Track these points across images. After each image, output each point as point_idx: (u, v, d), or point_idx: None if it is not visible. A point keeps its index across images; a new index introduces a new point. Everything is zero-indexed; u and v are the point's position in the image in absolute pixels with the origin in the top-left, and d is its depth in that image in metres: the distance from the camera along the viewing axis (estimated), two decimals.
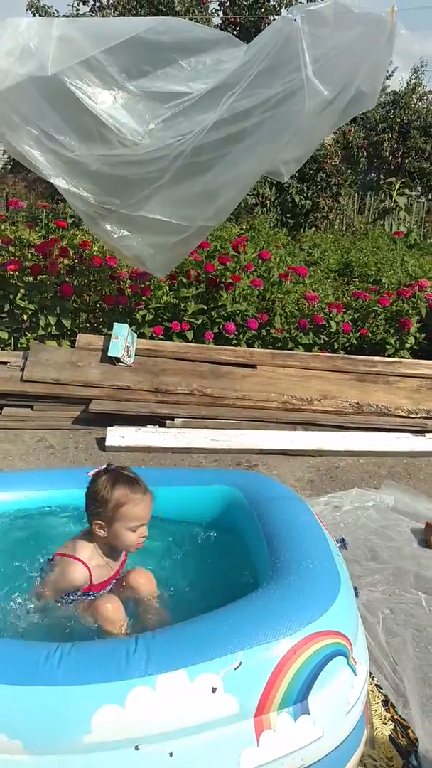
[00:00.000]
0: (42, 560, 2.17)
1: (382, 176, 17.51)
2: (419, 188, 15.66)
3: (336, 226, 11.88)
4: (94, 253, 5.30)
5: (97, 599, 2.00)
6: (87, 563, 2.01)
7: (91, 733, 1.50)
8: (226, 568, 2.30)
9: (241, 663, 1.60)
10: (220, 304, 5.02)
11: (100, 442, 4.10)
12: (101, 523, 1.99)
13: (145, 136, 3.43)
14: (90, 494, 2.01)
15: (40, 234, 5.89)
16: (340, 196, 11.01)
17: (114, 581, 2.12)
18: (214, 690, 1.57)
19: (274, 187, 10.41)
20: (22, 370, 4.32)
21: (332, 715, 1.70)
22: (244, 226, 9.54)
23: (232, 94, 3.40)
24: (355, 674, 1.79)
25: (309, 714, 1.65)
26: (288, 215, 10.64)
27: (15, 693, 1.50)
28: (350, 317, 5.28)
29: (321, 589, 1.82)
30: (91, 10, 12.52)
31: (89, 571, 2.01)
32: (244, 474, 2.73)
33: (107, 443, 4.00)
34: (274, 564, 1.96)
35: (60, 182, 3.59)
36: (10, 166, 14.71)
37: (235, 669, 1.60)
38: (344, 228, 12.10)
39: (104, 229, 3.89)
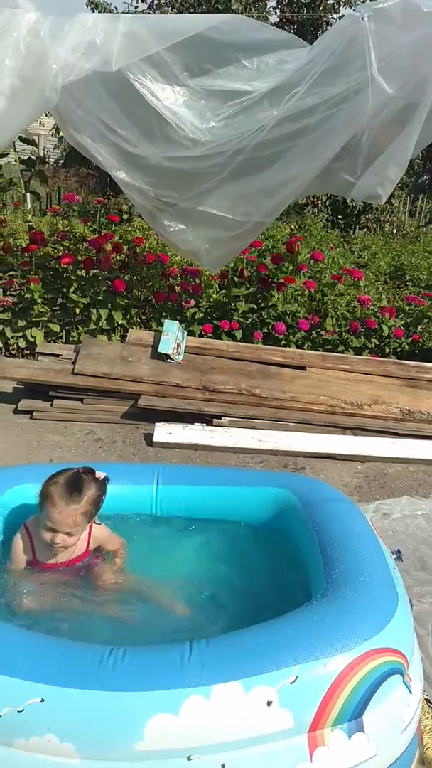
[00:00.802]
0: None
1: None
2: None
3: (386, 229, 11.69)
4: (147, 249, 5.31)
5: None
6: (31, 532, 2.10)
7: (143, 740, 1.49)
8: (275, 572, 2.26)
9: (297, 677, 1.57)
10: (270, 304, 4.97)
11: (148, 438, 4.10)
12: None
13: (206, 133, 3.41)
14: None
15: (91, 228, 5.94)
16: (393, 198, 10.81)
17: (69, 569, 2.15)
18: (269, 703, 1.54)
19: None
20: (74, 363, 4.35)
21: (387, 734, 1.66)
22: (293, 226, 9.47)
23: (295, 93, 3.35)
24: (411, 692, 1.75)
25: (363, 732, 1.61)
26: (339, 216, 10.50)
27: (70, 696, 1.50)
28: (402, 322, 5.18)
29: (378, 604, 1.78)
30: (149, 8, 12.57)
31: (31, 543, 2.10)
32: (298, 477, 2.68)
33: (155, 439, 4.00)
34: (329, 574, 1.92)
35: (120, 175, 3.61)
36: (62, 161, 14.91)
37: (291, 683, 1.56)
38: (395, 231, 11.90)
39: (161, 223, 3.90)
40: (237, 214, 3.73)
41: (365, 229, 11.01)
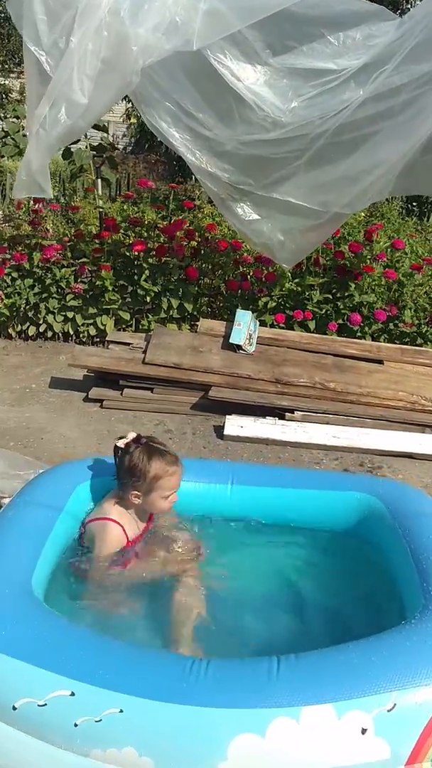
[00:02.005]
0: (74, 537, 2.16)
1: None
2: None
3: None
4: (219, 236, 5.19)
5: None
6: (119, 521, 2.10)
7: (226, 761, 1.39)
8: (362, 584, 2.13)
9: (395, 705, 1.44)
10: (347, 294, 4.78)
11: (218, 430, 4.01)
12: (138, 493, 2.09)
13: (287, 114, 3.25)
14: (126, 467, 2.08)
15: (161, 215, 5.87)
16: None
17: (146, 535, 2.20)
18: (363, 731, 1.42)
19: None
20: (144, 352, 4.30)
21: None
22: (363, 214, 9.17)
23: (382, 72, 3.16)
24: None
25: None
26: (413, 203, 10.12)
27: (151, 708, 1.41)
28: None
29: None
30: None
31: (123, 529, 2.10)
32: (386, 482, 2.53)
33: (225, 432, 3.90)
34: (426, 591, 1.77)
35: (194, 160, 3.50)
36: (130, 148, 14.96)
37: (389, 711, 1.43)
38: None
39: (234, 213, 3.77)
40: (315, 204, 3.55)
41: None
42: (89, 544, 2.10)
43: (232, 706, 1.42)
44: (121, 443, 2.13)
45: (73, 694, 1.45)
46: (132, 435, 2.16)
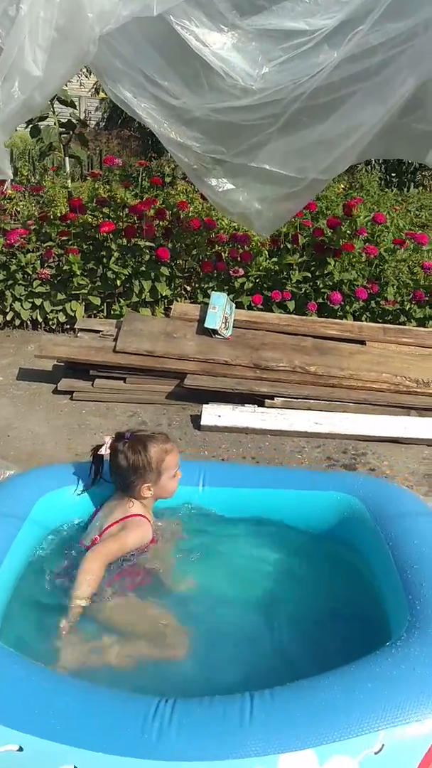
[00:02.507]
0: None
1: None
2: None
3: None
4: (191, 214, 4.96)
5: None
6: (148, 518, 2.07)
7: None
8: (343, 595, 1.97)
9: (383, 746, 1.28)
10: (326, 272, 4.59)
11: (195, 420, 3.83)
12: (148, 484, 2.05)
13: (258, 80, 3.03)
14: (126, 466, 2.03)
15: (133, 193, 5.61)
16: None
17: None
18: None
19: None
20: (115, 340, 4.09)
21: None
22: (342, 186, 8.94)
23: (357, 32, 2.94)
24: None
25: None
26: (393, 174, 9.88)
27: (109, 765, 1.25)
28: None
29: None
30: None
31: (150, 525, 2.07)
32: (367, 480, 2.36)
33: (203, 422, 3.73)
34: (412, 606, 1.62)
35: (161, 130, 3.28)
36: (103, 123, 14.52)
37: (376, 753, 1.28)
38: None
39: (208, 184, 3.58)
40: (291, 170, 3.37)
41: (421, 187, 10.37)
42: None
43: (202, 759, 1.26)
44: (104, 451, 2.09)
45: (21, 749, 1.28)
46: (108, 438, 2.11)
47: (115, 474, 2.07)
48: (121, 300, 4.70)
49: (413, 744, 1.30)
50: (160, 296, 4.67)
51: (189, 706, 1.35)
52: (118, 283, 4.61)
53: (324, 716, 1.33)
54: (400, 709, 1.33)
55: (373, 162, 9.82)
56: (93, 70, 3.48)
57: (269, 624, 1.84)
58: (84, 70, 8.52)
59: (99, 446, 2.13)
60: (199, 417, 3.79)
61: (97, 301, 4.67)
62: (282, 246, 4.79)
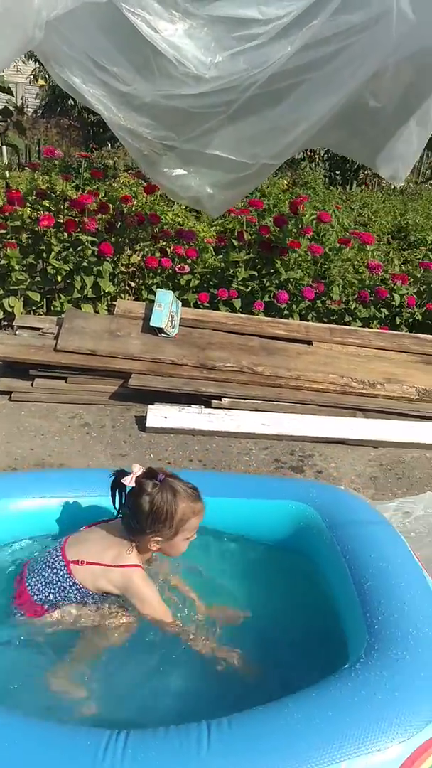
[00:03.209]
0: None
1: None
2: None
3: (384, 185, 11.15)
4: (136, 208, 4.82)
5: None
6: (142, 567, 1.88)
7: None
8: (300, 610, 1.91)
9: None
10: (273, 270, 4.54)
11: (140, 421, 3.72)
12: (159, 538, 1.84)
13: (211, 68, 2.94)
14: (148, 511, 1.80)
15: (73, 185, 5.42)
16: None
17: None
18: None
19: None
20: (56, 338, 3.93)
21: None
22: (286, 181, 8.94)
23: (311, 26, 2.88)
24: None
25: None
26: (337, 171, 9.97)
27: None
28: (415, 290, 4.77)
29: None
30: None
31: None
32: (319, 486, 2.31)
33: (148, 424, 3.62)
34: (369, 625, 1.57)
35: (111, 116, 3.17)
36: (42, 112, 14.11)
37: None
38: (393, 187, 11.37)
39: (159, 170, 3.53)
40: (243, 156, 3.36)
41: (363, 185, 10.50)
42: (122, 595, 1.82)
43: None
44: (128, 480, 1.83)
45: None
46: (138, 469, 1.85)
47: (130, 510, 1.84)
48: (61, 296, 4.52)
49: None
50: (102, 293, 4.52)
51: (143, 738, 1.26)
52: (59, 278, 4.43)
53: (284, 747, 1.26)
54: (362, 738, 1.27)
55: (317, 159, 9.88)
56: (39, 56, 3.33)
57: (224, 643, 1.76)
58: (23, 55, 8.20)
59: (123, 473, 1.86)
60: (145, 418, 3.68)
61: (36, 296, 4.48)
62: (228, 243, 4.72)
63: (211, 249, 4.72)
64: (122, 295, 4.63)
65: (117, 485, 1.88)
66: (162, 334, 4.06)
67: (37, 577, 1.84)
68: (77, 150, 9.05)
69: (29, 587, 1.83)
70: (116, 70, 2.92)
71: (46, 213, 4.49)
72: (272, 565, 1.96)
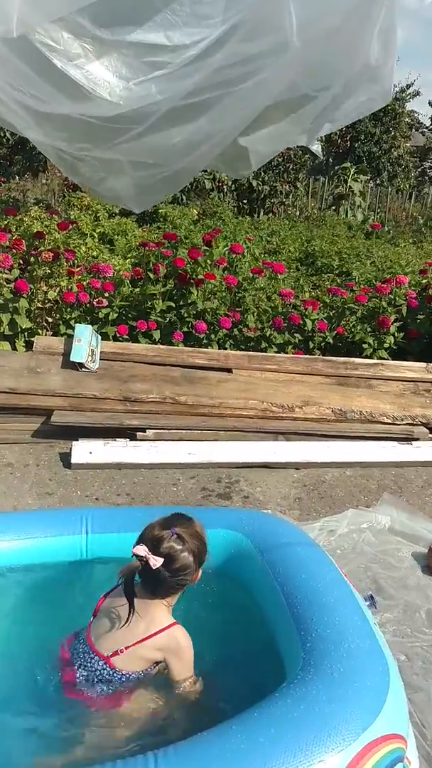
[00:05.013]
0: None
1: (331, 159, 17.37)
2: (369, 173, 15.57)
3: (290, 212, 11.60)
4: (48, 245, 4.82)
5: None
6: None
7: None
8: (236, 635, 1.97)
9: None
10: (189, 301, 4.65)
11: (65, 458, 3.70)
12: (191, 582, 1.82)
13: (123, 93, 3.05)
14: (191, 563, 1.76)
15: None
16: (298, 182, 10.74)
17: None
18: None
19: None
20: None
21: None
22: (196, 210, 9.15)
23: (215, 59, 3.04)
24: None
25: None
26: (244, 201, 10.30)
27: None
28: (325, 315, 5.00)
29: (371, 680, 1.53)
30: None
31: None
32: (248, 513, 2.39)
33: (73, 460, 3.60)
34: (304, 642, 1.65)
35: (30, 133, 3.27)
36: None
37: None
38: (298, 213, 11.84)
39: (82, 175, 3.67)
40: (158, 161, 3.51)
41: (270, 213, 10.88)
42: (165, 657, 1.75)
43: None
44: (153, 562, 1.71)
45: None
46: (141, 549, 1.72)
47: (157, 578, 1.73)
48: None
49: None
50: (19, 329, 4.48)
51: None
52: None
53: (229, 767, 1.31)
54: (303, 751, 1.34)
55: (225, 189, 10.17)
56: None
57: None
58: None
59: (139, 561, 1.72)
60: (69, 454, 3.67)
61: None
62: (144, 276, 4.79)
63: (128, 282, 4.78)
64: (40, 331, 4.61)
65: (132, 573, 1.74)
66: (83, 369, 4.07)
67: (87, 679, 1.74)
68: None
69: (86, 690, 1.73)
70: (33, 92, 2.99)
71: None
72: (208, 592, 2.02)
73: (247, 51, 3.04)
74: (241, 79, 3.15)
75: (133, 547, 1.72)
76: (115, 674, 1.73)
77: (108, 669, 1.73)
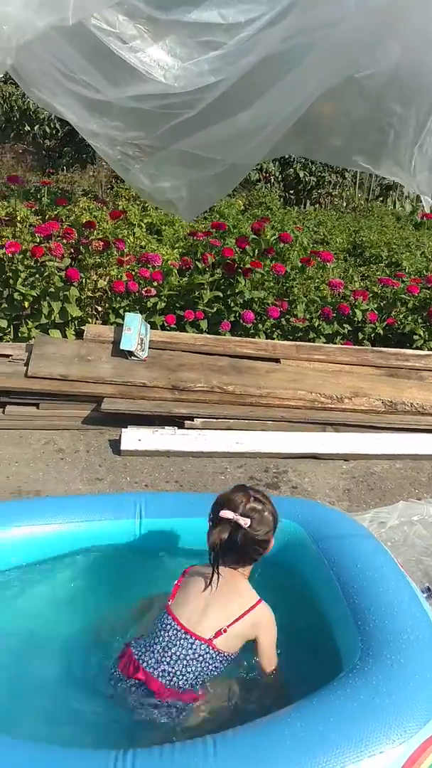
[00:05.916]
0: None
1: None
2: None
3: (337, 203, 11.42)
4: (99, 233, 4.86)
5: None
6: None
7: None
8: (292, 623, 1.95)
9: None
10: (237, 291, 4.63)
11: (114, 445, 3.74)
12: (257, 558, 1.86)
13: (178, 73, 3.03)
14: (261, 528, 1.78)
15: (33, 210, 5.42)
16: (346, 171, 10.57)
17: None
18: None
19: (277, 162, 9.96)
20: (26, 364, 3.93)
21: None
22: (242, 201, 9.08)
23: (272, 32, 2.99)
24: None
25: None
26: (291, 191, 10.18)
27: None
28: (375, 305, 4.92)
29: (431, 674, 1.50)
30: None
31: None
32: (302, 502, 2.38)
33: (122, 447, 3.64)
34: (362, 630, 1.63)
35: (82, 124, 3.26)
36: None
37: None
38: (345, 205, 11.65)
39: (134, 175, 3.61)
40: (211, 154, 3.43)
41: (317, 204, 10.74)
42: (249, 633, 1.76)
43: None
44: (243, 522, 1.72)
45: None
46: (229, 512, 1.73)
47: (241, 542, 1.74)
48: (29, 322, 4.52)
49: None
50: (70, 318, 4.53)
51: (149, 756, 1.29)
52: (26, 304, 4.44)
53: (289, 755, 1.31)
54: (363, 742, 1.33)
55: (272, 180, 10.08)
56: (14, 75, 3.39)
57: None
58: None
59: (222, 520, 1.72)
60: (119, 441, 3.70)
61: (3, 323, 4.46)
62: (192, 265, 4.79)
63: (176, 271, 4.79)
64: (89, 320, 4.65)
65: (221, 541, 1.72)
66: (132, 357, 4.10)
67: (172, 667, 1.69)
68: (33, 174, 9.04)
69: (162, 679, 1.69)
70: (85, 78, 2.99)
71: (12, 239, 4.49)
72: (262, 581, 2.01)
73: (303, 25, 2.98)
74: (296, 59, 3.09)
75: (218, 512, 1.73)
76: (218, 656, 1.71)
77: (212, 652, 1.70)
